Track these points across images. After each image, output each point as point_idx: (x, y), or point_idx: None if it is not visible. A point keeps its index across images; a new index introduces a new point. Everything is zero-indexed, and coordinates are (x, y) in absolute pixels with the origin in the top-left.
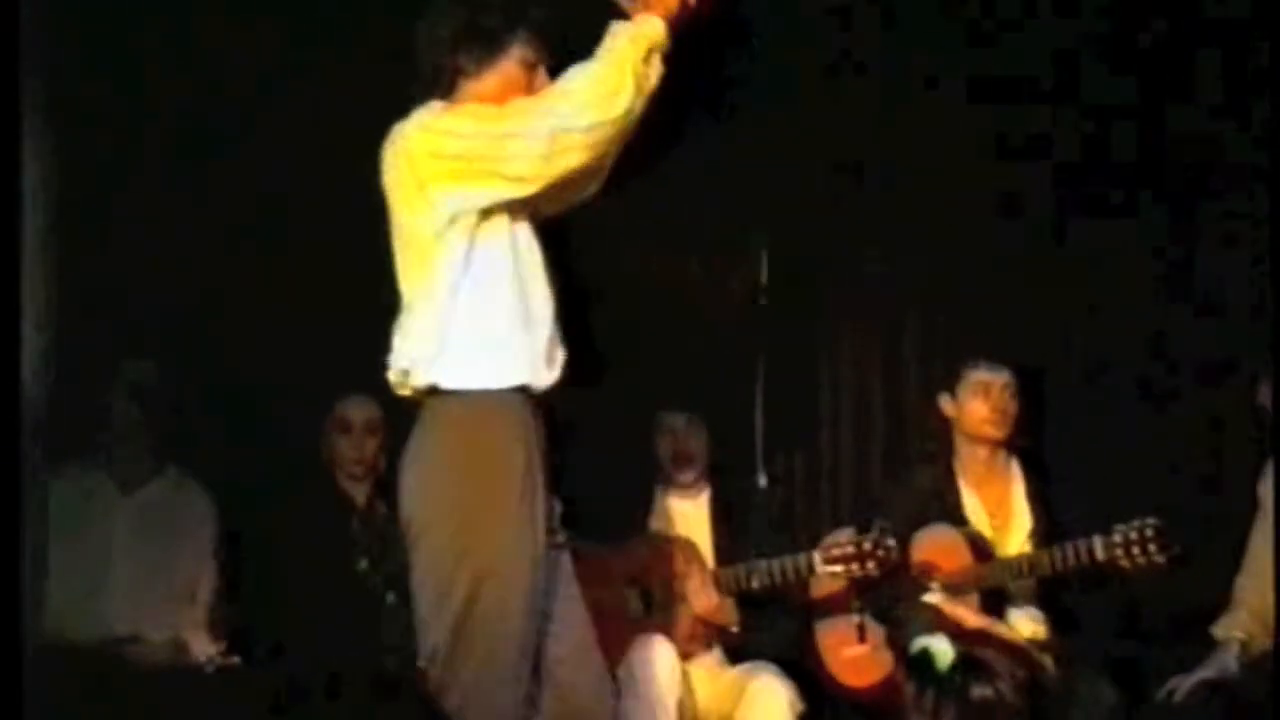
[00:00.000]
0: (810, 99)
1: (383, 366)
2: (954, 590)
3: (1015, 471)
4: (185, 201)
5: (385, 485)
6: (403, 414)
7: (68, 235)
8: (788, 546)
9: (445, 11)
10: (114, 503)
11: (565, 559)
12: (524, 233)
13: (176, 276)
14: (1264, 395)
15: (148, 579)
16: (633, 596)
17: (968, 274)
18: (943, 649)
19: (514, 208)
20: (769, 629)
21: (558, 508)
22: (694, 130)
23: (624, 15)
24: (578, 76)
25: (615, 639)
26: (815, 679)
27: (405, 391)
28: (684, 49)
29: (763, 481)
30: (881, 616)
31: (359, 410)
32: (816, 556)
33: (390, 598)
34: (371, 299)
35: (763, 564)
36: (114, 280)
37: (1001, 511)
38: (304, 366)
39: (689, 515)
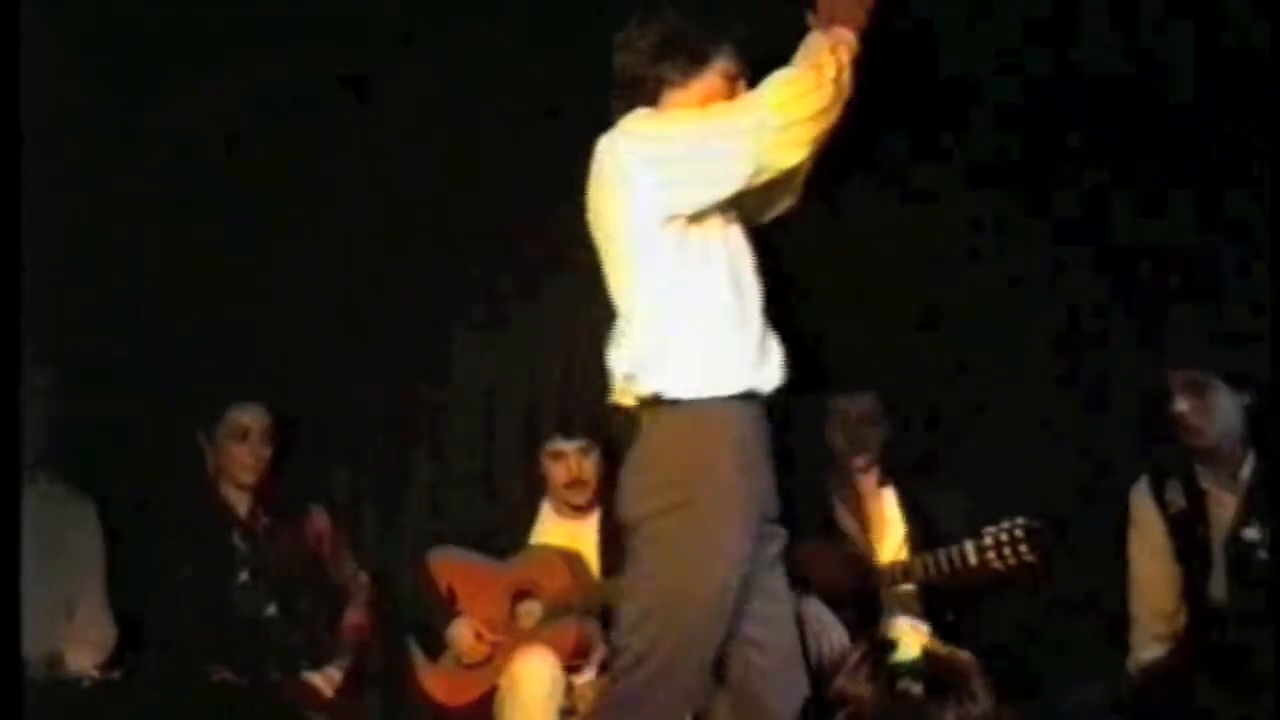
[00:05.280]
0: None
1: (269, 374)
2: (831, 603)
3: (887, 480)
4: (70, 208)
5: (266, 495)
6: (289, 423)
7: None
8: None
9: (649, 22)
10: None
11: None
12: (735, 235)
13: (61, 282)
14: (1183, 404)
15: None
16: (520, 609)
17: (870, 293)
18: (910, 642)
19: (725, 210)
20: None
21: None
22: None
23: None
24: (776, 77)
25: (503, 651)
26: None
27: (626, 400)
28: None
29: None
30: None
31: (254, 418)
32: None
33: (271, 609)
34: (253, 306)
35: None
36: None
37: (876, 521)
38: (185, 374)
39: (577, 534)
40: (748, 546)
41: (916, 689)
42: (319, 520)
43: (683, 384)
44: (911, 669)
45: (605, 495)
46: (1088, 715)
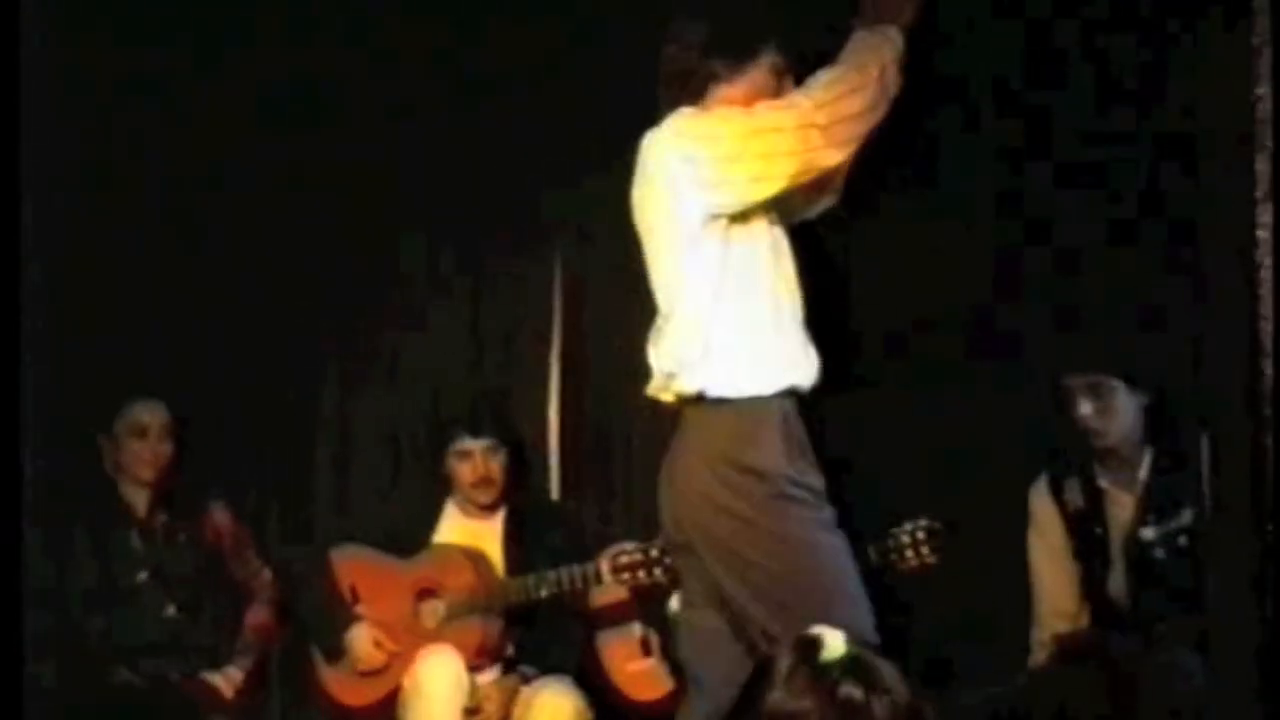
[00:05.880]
0: None
1: (169, 370)
2: None
3: None
4: None
5: (166, 494)
6: (190, 420)
7: None
8: (578, 561)
9: (699, 15)
10: None
11: None
12: (777, 233)
13: None
14: (1085, 407)
15: None
16: (424, 608)
17: None
18: (835, 641)
19: (767, 209)
20: (556, 641)
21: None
22: None
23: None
24: (820, 76)
25: (406, 651)
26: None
27: (667, 397)
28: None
29: (555, 497)
30: (661, 626)
31: (153, 414)
32: (604, 565)
33: (170, 610)
34: (152, 300)
35: (551, 573)
36: None
37: None
38: (83, 370)
39: (482, 532)
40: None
41: (857, 692)
42: (220, 518)
43: (725, 382)
44: (841, 666)
45: (510, 494)
46: (986, 713)
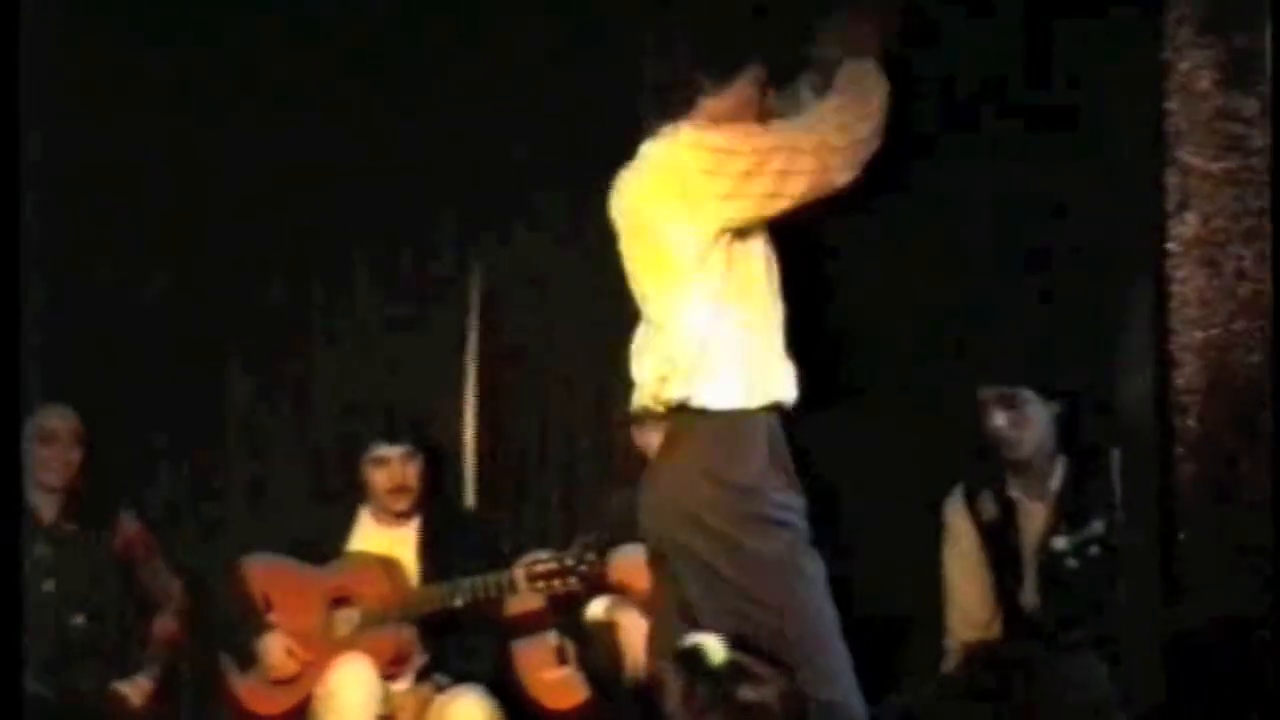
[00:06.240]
0: None
1: (79, 374)
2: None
3: None
4: None
5: (74, 501)
6: (100, 425)
7: None
8: (493, 569)
9: (688, 29)
10: None
11: None
12: (769, 249)
13: None
14: (999, 419)
15: None
16: (337, 617)
17: None
18: (715, 646)
19: (767, 224)
20: (471, 650)
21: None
22: None
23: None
24: (831, 99)
25: (319, 660)
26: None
27: (657, 407)
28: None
29: (470, 505)
30: (575, 635)
31: (63, 420)
32: (519, 573)
33: (78, 620)
34: (64, 304)
35: (465, 582)
36: None
37: None
38: None
39: (396, 540)
40: (782, 543)
41: (753, 693)
42: (129, 526)
43: (717, 394)
44: (728, 672)
45: (425, 501)
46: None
